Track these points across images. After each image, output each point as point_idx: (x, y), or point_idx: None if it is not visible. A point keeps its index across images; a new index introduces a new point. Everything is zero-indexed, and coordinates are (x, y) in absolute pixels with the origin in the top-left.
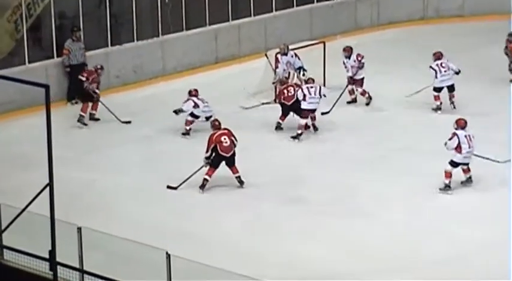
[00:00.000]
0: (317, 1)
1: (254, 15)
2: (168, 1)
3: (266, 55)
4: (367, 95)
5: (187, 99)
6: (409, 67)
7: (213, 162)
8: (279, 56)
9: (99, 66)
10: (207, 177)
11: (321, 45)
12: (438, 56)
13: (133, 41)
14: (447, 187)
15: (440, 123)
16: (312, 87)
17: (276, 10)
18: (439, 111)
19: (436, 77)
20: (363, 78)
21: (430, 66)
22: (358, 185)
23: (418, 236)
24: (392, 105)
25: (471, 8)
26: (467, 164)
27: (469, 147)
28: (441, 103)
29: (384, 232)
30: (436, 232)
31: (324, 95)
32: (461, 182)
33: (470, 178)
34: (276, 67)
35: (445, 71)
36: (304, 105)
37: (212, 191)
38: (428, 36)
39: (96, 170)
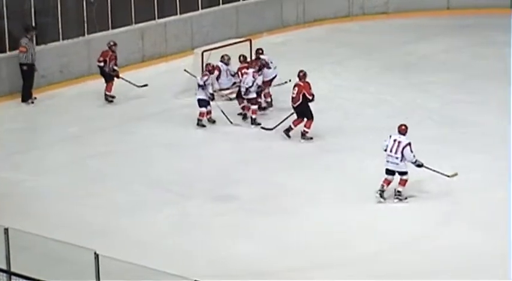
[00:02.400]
0: None
1: (180, 13)
2: (94, 0)
3: (186, 71)
4: (269, 98)
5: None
6: (335, 64)
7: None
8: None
9: (112, 43)
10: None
11: (247, 43)
12: None
13: (59, 40)
14: (379, 191)
15: (373, 123)
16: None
17: (202, 8)
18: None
19: None
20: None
21: None
22: (288, 182)
23: (347, 232)
24: (321, 101)
25: (395, 5)
26: (391, 173)
27: (391, 151)
28: None
29: (313, 228)
30: (364, 228)
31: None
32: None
33: (399, 192)
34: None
35: None
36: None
37: (139, 189)
38: (353, 33)
39: (24, 171)
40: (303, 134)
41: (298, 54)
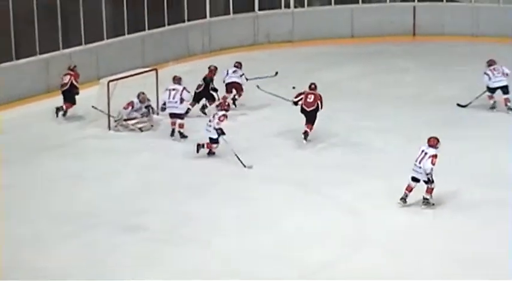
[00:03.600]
0: (148, 28)
1: (85, 43)
2: None
3: (94, 107)
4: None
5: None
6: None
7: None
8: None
9: (72, 66)
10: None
11: (154, 72)
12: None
13: None
14: (402, 199)
15: (280, 152)
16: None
17: (107, 38)
18: None
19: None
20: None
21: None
22: (196, 211)
23: (253, 261)
24: (227, 131)
25: (300, 34)
26: (415, 180)
27: (416, 161)
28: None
29: (218, 257)
30: (273, 255)
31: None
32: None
33: (426, 200)
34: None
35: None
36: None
37: (43, 222)
38: (259, 61)
39: None
40: (306, 135)
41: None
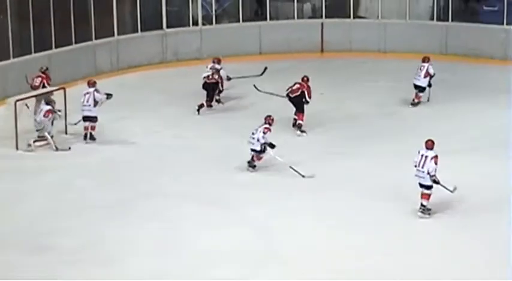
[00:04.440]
0: (55, 47)
1: None
2: None
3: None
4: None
5: None
6: (151, 111)
7: None
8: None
9: (44, 69)
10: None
11: (62, 91)
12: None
13: None
14: (425, 210)
15: (190, 170)
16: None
17: (13, 57)
18: None
19: None
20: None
21: None
22: (106, 231)
23: None
24: (138, 149)
25: (209, 51)
26: (421, 185)
27: (419, 166)
28: None
29: (128, 278)
30: (184, 276)
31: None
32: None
33: (423, 206)
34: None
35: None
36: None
37: None
38: (167, 79)
39: None
40: (299, 127)
41: (112, 101)
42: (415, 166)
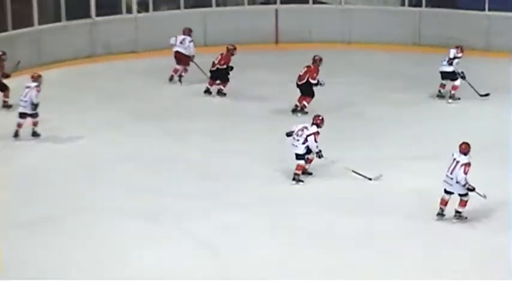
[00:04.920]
0: None
1: None
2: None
3: None
4: None
5: None
6: (79, 112)
7: None
8: None
9: (1, 53)
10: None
11: None
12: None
13: None
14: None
15: (123, 180)
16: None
17: None
18: None
19: None
20: None
21: None
22: (30, 251)
23: None
24: (66, 158)
25: (145, 43)
26: (448, 192)
27: (448, 171)
28: None
29: None
30: None
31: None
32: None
33: (457, 212)
34: None
35: None
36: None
37: None
38: (98, 75)
39: None
40: (302, 109)
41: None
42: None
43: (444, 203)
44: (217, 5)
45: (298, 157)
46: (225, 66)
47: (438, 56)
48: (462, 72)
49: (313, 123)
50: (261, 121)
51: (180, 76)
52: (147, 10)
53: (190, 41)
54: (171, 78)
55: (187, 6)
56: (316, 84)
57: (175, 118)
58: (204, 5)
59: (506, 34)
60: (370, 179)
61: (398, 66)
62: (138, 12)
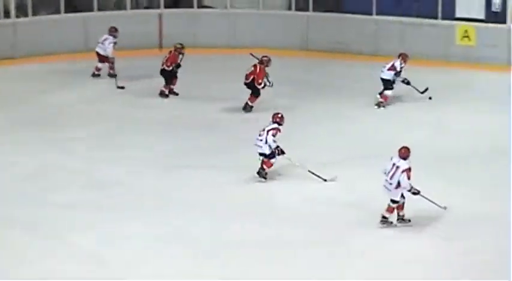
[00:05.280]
0: None
1: None
2: None
3: None
4: None
5: None
6: None
7: None
8: None
9: None
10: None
11: None
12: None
13: None
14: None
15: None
16: None
17: None
18: None
19: None
20: None
21: None
22: None
23: None
24: None
25: (24, 49)
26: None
27: (387, 176)
28: None
29: None
30: None
31: None
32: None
33: (384, 217)
34: None
35: None
36: None
37: None
38: None
39: None
40: (246, 107)
41: None
42: (385, 173)
43: (391, 210)
44: (99, 9)
45: (266, 156)
46: (171, 67)
47: (326, 61)
48: (406, 79)
49: (273, 122)
50: (150, 128)
51: (111, 74)
52: (26, 15)
53: (110, 42)
54: (93, 74)
55: (67, 10)
56: (263, 87)
57: (58, 126)
58: (85, 9)
59: (394, 39)
60: (325, 180)
61: (286, 72)
62: (17, 17)
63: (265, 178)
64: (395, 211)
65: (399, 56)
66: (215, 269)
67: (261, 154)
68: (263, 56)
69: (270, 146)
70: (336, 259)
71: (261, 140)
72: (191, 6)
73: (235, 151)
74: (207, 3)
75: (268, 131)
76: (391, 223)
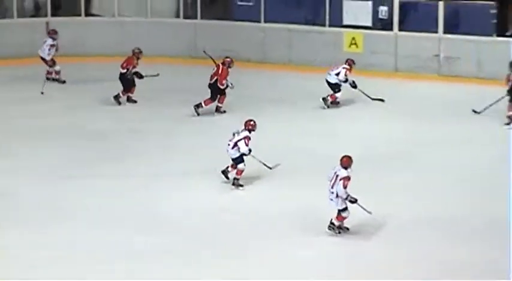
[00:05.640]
0: None
1: None
2: None
3: None
4: None
5: None
6: None
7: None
8: None
9: None
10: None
11: None
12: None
13: None
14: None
15: None
16: None
17: None
18: None
19: None
20: None
21: None
22: None
23: None
24: None
25: None
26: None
27: (330, 185)
28: None
29: None
30: None
31: None
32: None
33: (332, 223)
34: None
35: None
36: None
37: None
38: None
39: None
40: (218, 109)
41: None
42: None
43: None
44: None
45: (235, 160)
46: (125, 70)
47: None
48: (353, 82)
49: (244, 129)
50: (36, 137)
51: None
52: None
53: (47, 45)
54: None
55: None
56: (225, 88)
57: None
58: None
59: (282, 46)
60: (270, 168)
61: (175, 79)
62: None
63: (241, 185)
64: (337, 219)
65: (346, 61)
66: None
67: (232, 159)
68: (225, 57)
69: (240, 151)
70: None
71: (229, 146)
72: (79, 15)
73: (122, 160)
74: (95, 12)
75: (238, 141)
76: (339, 232)
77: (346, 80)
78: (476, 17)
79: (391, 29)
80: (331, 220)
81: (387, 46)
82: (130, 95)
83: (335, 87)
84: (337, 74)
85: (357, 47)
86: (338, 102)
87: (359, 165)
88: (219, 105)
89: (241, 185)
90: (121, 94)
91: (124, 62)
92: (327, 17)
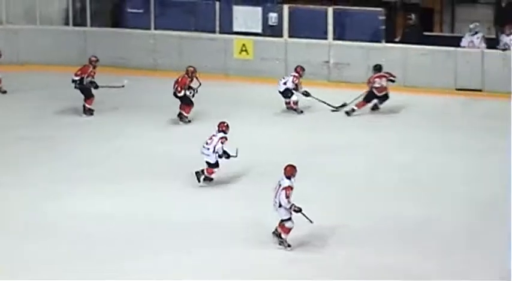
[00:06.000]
0: None
1: None
2: None
3: None
4: None
5: None
6: None
7: None
8: None
9: None
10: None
11: None
12: None
13: None
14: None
15: None
16: None
17: None
18: None
19: None
20: None
21: None
22: None
23: None
24: None
25: None
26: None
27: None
28: None
29: None
30: None
31: None
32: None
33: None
34: None
35: None
36: None
37: None
38: None
39: None
40: (181, 118)
41: None
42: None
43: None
44: None
45: (210, 165)
46: (78, 77)
47: (106, 76)
48: (306, 91)
49: (219, 131)
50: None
51: None
52: None
53: None
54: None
55: None
56: (184, 96)
57: None
58: None
59: (172, 53)
60: (235, 156)
61: (69, 88)
62: None
63: (205, 180)
64: (281, 231)
65: (295, 69)
66: None
67: (207, 163)
68: (188, 66)
69: (218, 154)
70: None
71: (208, 149)
72: None
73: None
74: None
75: (217, 141)
76: (289, 246)
77: (296, 87)
78: (365, 23)
79: (281, 35)
80: (276, 228)
81: (277, 53)
82: (87, 105)
83: (285, 93)
84: (285, 83)
85: (247, 53)
86: (297, 109)
87: None
88: (184, 114)
89: (212, 179)
90: (86, 104)
91: (78, 70)
92: (217, 23)
